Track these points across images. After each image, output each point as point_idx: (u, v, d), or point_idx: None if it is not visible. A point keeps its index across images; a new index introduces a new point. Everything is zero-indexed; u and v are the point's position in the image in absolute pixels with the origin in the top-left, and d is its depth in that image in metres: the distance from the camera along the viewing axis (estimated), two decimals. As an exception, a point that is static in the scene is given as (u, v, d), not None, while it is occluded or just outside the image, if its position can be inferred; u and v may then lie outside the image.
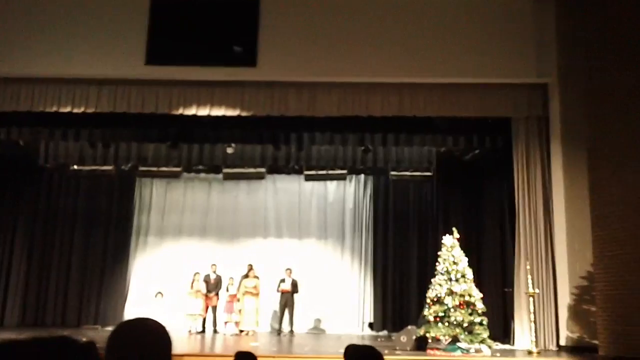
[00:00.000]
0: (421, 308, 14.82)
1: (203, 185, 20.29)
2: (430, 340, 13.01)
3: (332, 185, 20.00)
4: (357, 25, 14.73)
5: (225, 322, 17.57)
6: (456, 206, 18.36)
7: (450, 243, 13.92)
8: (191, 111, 14.60)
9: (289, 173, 19.45)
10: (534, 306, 13.07)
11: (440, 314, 13.10)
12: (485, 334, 13.07)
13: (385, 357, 4.18)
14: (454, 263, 13.57)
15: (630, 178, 11.15)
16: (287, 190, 20.11)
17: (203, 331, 17.50)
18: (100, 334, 15.82)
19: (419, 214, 19.42)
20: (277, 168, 18.53)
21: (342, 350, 4.14)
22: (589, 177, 12.46)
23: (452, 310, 13.06)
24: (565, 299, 13.41)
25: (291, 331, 17.44)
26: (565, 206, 13.69)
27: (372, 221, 19.87)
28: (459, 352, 12.37)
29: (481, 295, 13.46)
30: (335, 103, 14.51)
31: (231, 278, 17.77)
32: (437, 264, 13.98)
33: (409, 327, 13.66)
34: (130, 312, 18.64)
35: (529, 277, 13.20)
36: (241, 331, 17.15)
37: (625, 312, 11.12)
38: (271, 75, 14.55)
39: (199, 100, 14.59)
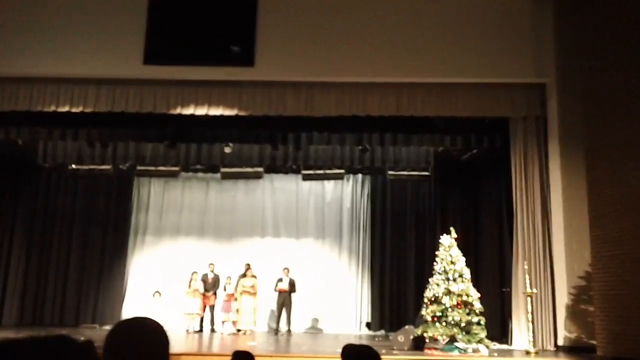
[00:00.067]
0: (419, 308, 14.82)
1: (201, 185, 20.29)
2: (427, 340, 13.01)
3: (329, 184, 20.01)
4: (355, 25, 14.74)
5: (223, 322, 17.59)
6: (454, 206, 18.39)
7: (448, 243, 13.92)
8: (189, 111, 14.59)
9: (286, 173, 19.46)
10: (532, 306, 13.08)
11: (438, 314, 13.10)
12: (483, 334, 13.07)
13: (382, 356, 4.18)
14: (452, 263, 13.57)
15: (628, 178, 11.17)
16: (284, 190, 20.12)
17: (201, 330, 17.52)
18: (98, 333, 15.81)
19: (416, 214, 19.42)
20: (274, 168, 18.56)
21: (340, 350, 4.14)
22: (586, 177, 12.47)
23: (449, 310, 13.07)
24: (563, 299, 13.42)
25: (289, 330, 17.45)
26: (563, 206, 13.71)
27: (369, 221, 19.89)
28: (456, 352, 12.38)
29: (479, 295, 13.46)
30: (333, 103, 14.50)
31: (229, 277, 17.78)
32: (434, 263, 13.98)
33: (407, 326, 13.66)
34: (128, 311, 18.64)
35: (527, 277, 13.20)
36: (239, 330, 17.17)
37: (623, 312, 11.13)
38: (269, 75, 14.55)
39: (196, 99, 14.59)
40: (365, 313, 19.29)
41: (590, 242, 12.21)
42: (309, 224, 20.08)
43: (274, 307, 18.08)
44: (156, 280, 18.87)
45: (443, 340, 12.89)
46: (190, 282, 17.62)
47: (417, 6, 14.89)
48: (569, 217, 13.58)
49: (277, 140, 16.27)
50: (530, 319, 12.95)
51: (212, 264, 18.10)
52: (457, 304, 13.09)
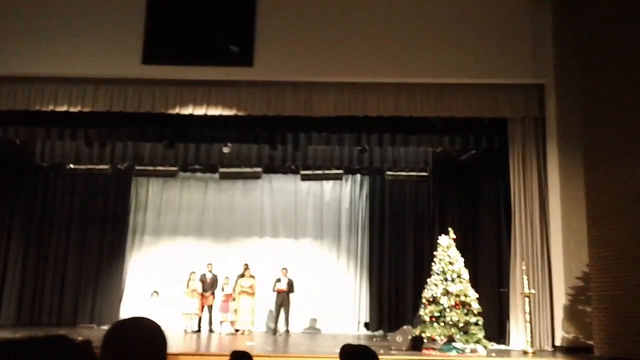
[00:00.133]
0: (417, 308, 14.83)
1: (199, 185, 20.28)
2: (425, 340, 13.03)
3: (328, 185, 20.01)
4: (353, 25, 14.74)
5: (221, 322, 17.58)
6: (452, 206, 18.38)
7: (446, 243, 13.94)
8: (187, 111, 14.59)
9: (285, 173, 19.48)
10: (530, 306, 13.09)
11: (436, 314, 13.12)
12: (481, 334, 13.09)
13: (380, 357, 4.19)
14: (450, 263, 13.58)
15: (626, 178, 11.19)
16: (283, 190, 20.12)
17: (199, 330, 17.52)
18: (96, 333, 15.79)
19: (415, 214, 19.41)
20: (273, 168, 18.57)
21: (338, 350, 4.15)
22: (585, 178, 12.49)
23: (447, 310, 13.08)
24: (560, 299, 13.43)
25: (287, 331, 17.46)
26: (561, 206, 13.71)
27: (368, 221, 19.88)
28: (454, 352, 12.39)
29: (477, 295, 13.48)
30: (332, 103, 14.51)
31: (227, 277, 17.78)
32: (433, 264, 13.99)
33: (405, 327, 13.67)
34: (126, 311, 18.61)
35: (525, 277, 13.21)
36: (237, 330, 17.16)
37: (620, 312, 11.15)
38: (268, 75, 14.55)
39: (195, 99, 14.59)
40: (364, 313, 19.29)
41: (588, 242, 12.24)
42: (307, 224, 20.07)
43: (272, 307, 18.05)
44: (154, 280, 18.86)
45: (441, 340, 12.91)
46: (188, 282, 17.61)
47: (416, 7, 14.89)
48: (567, 218, 13.59)
49: (275, 141, 16.27)
50: (528, 319, 12.97)
51: (210, 264, 18.10)
52: (455, 304, 13.10)
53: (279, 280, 17.62)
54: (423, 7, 14.89)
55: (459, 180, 18.27)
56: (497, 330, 15.07)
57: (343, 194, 20.17)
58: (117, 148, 16.98)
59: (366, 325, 19.10)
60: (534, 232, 14.07)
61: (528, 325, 12.94)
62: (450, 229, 14.38)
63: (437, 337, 12.91)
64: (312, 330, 18.85)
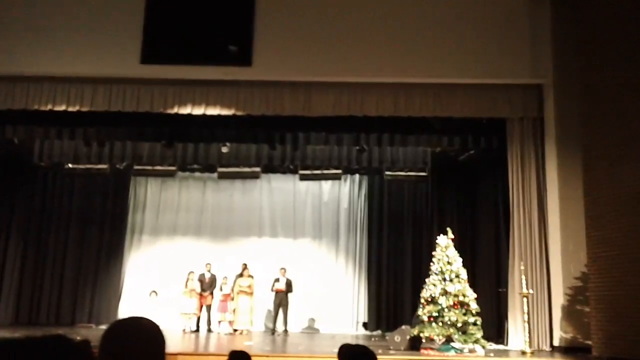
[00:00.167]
0: (415, 308, 14.83)
1: (198, 184, 20.28)
2: (424, 340, 13.03)
3: (327, 184, 20.02)
4: (352, 25, 14.73)
5: (219, 321, 17.58)
6: (451, 206, 18.37)
7: (445, 243, 13.94)
8: (186, 110, 14.58)
9: (284, 172, 19.50)
10: (528, 306, 13.10)
11: (434, 314, 13.12)
12: (479, 334, 13.09)
13: (379, 356, 4.19)
14: (448, 263, 13.59)
15: (625, 179, 11.19)
16: (282, 190, 20.12)
17: (197, 330, 17.53)
18: (94, 332, 15.79)
19: (413, 214, 19.43)
20: (272, 167, 18.59)
21: (336, 350, 4.15)
22: (583, 178, 12.49)
23: (446, 310, 13.09)
24: (559, 299, 13.43)
25: (285, 330, 17.46)
26: (559, 207, 13.72)
27: (366, 221, 19.90)
28: (452, 352, 12.39)
29: (475, 295, 13.48)
30: (331, 103, 14.51)
31: (225, 277, 17.78)
32: (431, 264, 14.00)
33: (403, 327, 13.68)
34: (125, 310, 18.63)
35: (523, 277, 13.22)
36: (235, 330, 17.17)
37: (619, 312, 11.15)
38: (266, 75, 14.54)
39: (194, 99, 14.58)
40: (362, 313, 19.31)
41: (587, 242, 12.23)
42: (306, 224, 20.08)
43: (271, 307, 18.06)
44: (153, 279, 18.87)
45: (439, 340, 12.91)
46: (187, 281, 17.61)
47: (415, 7, 14.89)
48: (566, 218, 13.59)
49: (274, 140, 16.26)
50: (526, 319, 12.97)
51: (209, 263, 18.10)
52: (454, 304, 13.11)
53: (277, 280, 17.64)
54: (421, 7, 14.88)
55: (458, 180, 18.27)
56: (495, 330, 15.08)
57: (342, 194, 20.18)
58: (115, 148, 16.97)
59: (364, 325, 19.12)
60: (532, 232, 14.08)
61: (526, 325, 12.95)
62: (448, 229, 14.38)
63: (435, 337, 12.91)
64: (311, 330, 18.86)
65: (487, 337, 13.53)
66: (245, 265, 17.75)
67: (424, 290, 13.77)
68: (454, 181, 18.39)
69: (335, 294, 19.28)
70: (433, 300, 13.32)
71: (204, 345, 14.91)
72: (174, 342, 13.54)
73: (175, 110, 14.58)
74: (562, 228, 13.59)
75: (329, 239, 19.97)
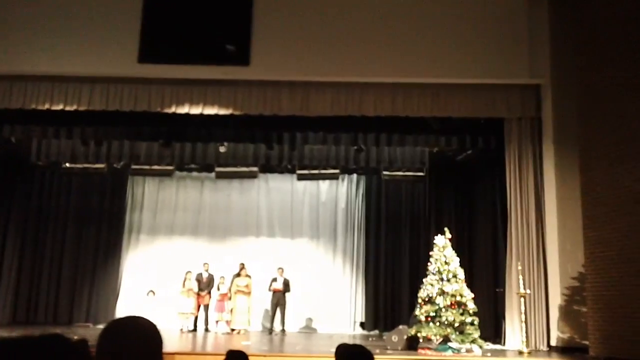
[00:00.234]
0: (412, 308, 14.82)
1: (195, 184, 20.27)
2: (421, 340, 13.01)
3: (324, 184, 20.02)
4: (350, 25, 14.73)
5: (217, 321, 17.57)
6: (448, 206, 18.37)
7: (442, 243, 13.92)
8: (184, 110, 14.58)
9: (281, 172, 19.49)
10: (525, 306, 13.11)
11: (432, 314, 13.10)
12: (477, 334, 13.08)
13: (376, 356, 4.19)
14: (446, 263, 13.57)
15: (622, 179, 11.20)
16: (279, 190, 20.12)
17: (195, 330, 17.50)
18: (92, 332, 15.77)
19: (411, 214, 19.43)
20: (269, 167, 18.57)
21: (334, 350, 4.15)
22: (581, 178, 12.50)
23: (443, 310, 13.07)
24: (556, 299, 13.44)
25: (283, 330, 17.46)
26: (557, 207, 13.73)
27: (364, 221, 19.89)
28: (450, 352, 12.40)
29: (472, 295, 13.46)
30: (329, 103, 14.51)
31: (222, 277, 17.76)
32: (428, 263, 13.97)
33: (400, 326, 13.69)
34: (122, 310, 18.63)
35: (520, 277, 13.23)
36: (233, 330, 17.16)
37: (616, 312, 11.17)
38: (264, 75, 14.54)
39: (191, 98, 14.58)
40: (359, 313, 19.30)
41: (584, 242, 12.24)
42: (303, 223, 20.08)
43: (268, 306, 18.07)
44: (150, 279, 18.86)
45: (437, 340, 12.89)
46: (184, 281, 17.59)
47: (413, 7, 14.89)
48: (563, 218, 13.60)
49: (272, 140, 16.25)
50: (523, 319, 12.98)
51: (206, 263, 18.09)
52: (451, 304, 13.09)
53: (275, 279, 17.65)
54: (420, 7, 14.89)
55: (456, 180, 18.28)
56: (492, 330, 15.08)
57: (339, 194, 20.18)
58: (113, 147, 16.97)
59: (362, 324, 19.12)
60: (529, 232, 14.09)
61: (523, 325, 12.96)
62: (446, 229, 14.35)
63: (432, 337, 12.89)
64: (308, 329, 18.86)
65: (484, 337, 13.51)
66: (242, 264, 17.75)
67: (422, 290, 13.74)
68: (452, 181, 18.40)
69: (332, 293, 19.28)
70: (430, 300, 13.30)
71: (202, 345, 14.92)
72: (171, 342, 13.54)
73: (172, 109, 14.58)
74: (560, 228, 13.60)
75: (326, 239, 19.97)
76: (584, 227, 12.27)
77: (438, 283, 13.35)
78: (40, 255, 19.05)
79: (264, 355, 11.81)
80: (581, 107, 12.68)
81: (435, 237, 14.26)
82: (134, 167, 18.43)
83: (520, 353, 12.67)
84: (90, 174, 18.40)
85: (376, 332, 18.35)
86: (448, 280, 13.33)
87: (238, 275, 17.62)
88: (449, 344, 12.69)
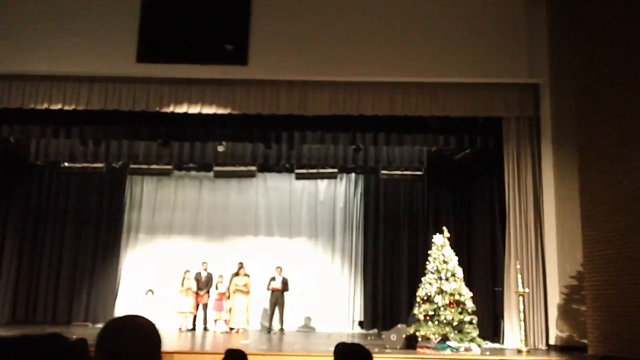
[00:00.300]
0: (411, 307, 14.82)
1: (194, 183, 20.27)
2: (420, 339, 13.01)
3: (322, 183, 20.02)
4: (349, 24, 14.73)
5: (215, 320, 17.58)
6: (447, 205, 18.40)
7: (441, 242, 13.92)
8: (182, 109, 14.59)
9: (279, 171, 19.52)
10: (524, 305, 13.10)
11: (430, 313, 13.10)
12: (475, 333, 13.08)
13: (375, 355, 4.19)
14: (444, 262, 13.56)
15: (620, 178, 11.20)
16: (278, 189, 20.12)
17: (193, 329, 17.51)
18: (90, 331, 15.77)
19: (409, 213, 19.43)
20: (268, 166, 18.61)
21: (332, 349, 4.16)
22: (579, 177, 12.51)
23: (442, 309, 13.07)
24: (555, 298, 13.45)
25: (281, 329, 17.47)
26: (555, 206, 13.73)
27: (362, 220, 19.89)
28: (448, 351, 12.41)
29: (471, 294, 13.46)
30: (327, 102, 14.51)
31: (220, 276, 17.77)
32: (427, 262, 13.97)
33: (399, 325, 13.70)
34: (121, 309, 18.62)
35: (519, 276, 13.22)
36: (231, 329, 17.16)
37: (614, 311, 11.17)
38: (262, 74, 14.54)
39: (190, 98, 14.59)
40: (358, 312, 19.30)
41: (583, 241, 12.25)
42: (302, 223, 20.07)
43: (267, 305, 18.08)
44: (149, 278, 18.87)
45: (435, 339, 12.89)
46: (183, 280, 17.60)
47: (411, 6, 14.88)
48: (561, 217, 13.61)
49: (270, 139, 16.26)
50: (522, 318, 12.97)
51: (205, 262, 18.10)
52: (450, 303, 13.09)
53: (273, 278, 17.66)
54: (418, 6, 14.88)
55: (454, 179, 18.31)
56: (491, 329, 15.11)
57: (337, 193, 20.18)
58: (111, 146, 16.98)
59: (360, 324, 19.12)
60: (528, 232, 14.10)
61: (522, 324, 12.95)
62: (444, 228, 14.35)
63: (431, 336, 12.89)
64: (307, 328, 18.85)
65: (483, 336, 13.51)
66: (241, 264, 17.75)
67: (420, 289, 13.74)
68: (450, 180, 18.42)
69: (331, 292, 19.28)
70: (429, 299, 13.30)
71: (200, 344, 14.92)
72: (170, 341, 13.53)
73: (171, 109, 14.58)
74: (558, 227, 13.61)
75: (325, 238, 19.97)
76: (583, 226, 12.27)
77: (437, 282, 13.35)
78: (39, 255, 19.04)
79: (263, 354, 11.82)
80: (580, 106, 12.69)
81: (434, 236, 14.25)
82: (132, 166, 18.45)
83: (519, 352, 12.66)
84: (88, 174, 18.42)
85: (375, 331, 18.36)
86: (447, 279, 13.33)
87: (237, 274, 17.62)
88: (448, 342, 12.69)
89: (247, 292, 17.45)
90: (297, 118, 14.82)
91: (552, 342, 13.35)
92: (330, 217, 20.07)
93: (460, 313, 13.07)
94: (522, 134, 14.52)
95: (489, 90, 14.56)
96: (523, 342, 12.79)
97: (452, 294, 13.15)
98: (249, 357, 5.78)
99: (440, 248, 13.76)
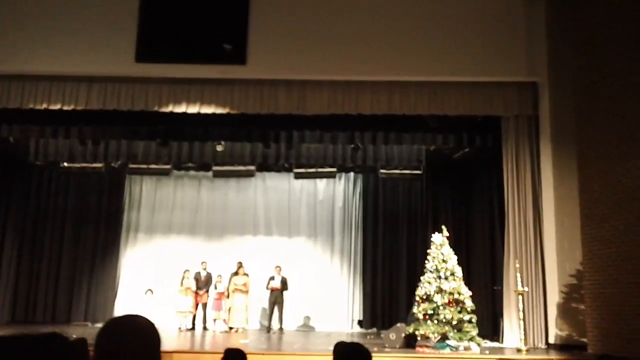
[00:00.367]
0: (410, 306, 14.81)
1: (193, 183, 20.27)
2: (419, 338, 13.01)
3: (321, 183, 20.02)
4: (347, 23, 14.72)
5: (214, 320, 17.59)
6: (446, 204, 18.42)
7: (440, 241, 13.91)
8: (181, 109, 14.58)
9: (278, 171, 19.51)
10: (523, 304, 13.09)
11: (430, 312, 13.10)
12: (474, 332, 13.08)
13: (374, 354, 4.20)
14: (443, 261, 13.56)
15: (620, 177, 11.22)
16: (276, 188, 20.12)
17: (193, 328, 17.52)
18: (90, 330, 15.75)
19: (408, 212, 19.43)
20: (266, 166, 18.60)
21: (332, 348, 4.16)
22: (578, 176, 12.52)
23: (441, 308, 13.06)
24: (554, 297, 13.44)
25: (281, 328, 17.48)
26: (554, 205, 13.72)
27: (361, 219, 19.89)
28: (448, 350, 12.40)
29: (470, 293, 13.46)
30: (325, 101, 14.51)
31: (219, 275, 17.78)
32: (426, 261, 13.96)
33: (398, 324, 13.70)
34: (120, 309, 18.63)
35: (518, 275, 13.20)
36: (231, 328, 17.16)
37: (614, 310, 11.19)
38: (261, 73, 14.53)
39: (188, 97, 14.58)
40: (357, 311, 19.30)
41: (582, 240, 12.26)
42: (301, 222, 20.08)
43: (266, 305, 18.10)
44: (148, 278, 18.90)
45: (434, 338, 12.89)
46: (182, 280, 17.61)
47: (410, 5, 14.88)
48: (561, 216, 13.60)
49: (269, 139, 16.25)
50: (521, 317, 12.95)
51: (204, 262, 18.12)
52: (449, 302, 13.09)
53: (272, 278, 17.67)
54: (417, 5, 14.88)
55: (453, 178, 18.32)
56: (490, 327, 15.11)
57: (336, 192, 20.18)
58: (110, 146, 16.98)
59: (360, 323, 19.12)
60: (527, 230, 14.09)
61: (522, 322, 12.93)
62: (443, 227, 14.34)
63: (430, 335, 12.89)
64: (306, 328, 18.85)
65: (482, 335, 13.50)
66: (240, 263, 17.75)
67: (419, 288, 13.74)
68: (449, 179, 18.44)
69: (330, 292, 19.29)
70: (428, 298, 13.30)
71: (200, 344, 14.92)
72: (169, 341, 13.53)
73: (170, 108, 14.57)
74: (557, 226, 13.60)
75: (324, 237, 19.97)
76: (582, 224, 12.29)
77: (436, 281, 13.35)
78: (38, 255, 19.04)
79: (262, 354, 11.82)
80: (579, 105, 12.70)
81: (433, 235, 14.24)
82: (131, 166, 18.45)
83: (519, 351, 12.64)
84: (88, 173, 18.41)
85: (374, 330, 18.36)
86: (446, 278, 13.32)
87: (236, 273, 17.62)
88: (447, 341, 12.69)
89: (246, 292, 17.45)
90: (296, 117, 14.81)
91: (551, 340, 13.34)
92: (329, 217, 20.08)
93: (460, 312, 13.06)
94: (521, 132, 14.50)
95: (487, 88, 14.55)
96: (522, 341, 12.77)
97: (451, 293, 13.15)
98: (248, 356, 5.78)
99: (439, 247, 13.75)
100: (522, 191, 14.29)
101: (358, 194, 20.12)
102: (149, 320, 2.39)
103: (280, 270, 17.76)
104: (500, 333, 14.35)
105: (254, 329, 18.04)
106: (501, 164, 14.66)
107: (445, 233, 14.05)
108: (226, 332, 17.01)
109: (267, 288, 17.65)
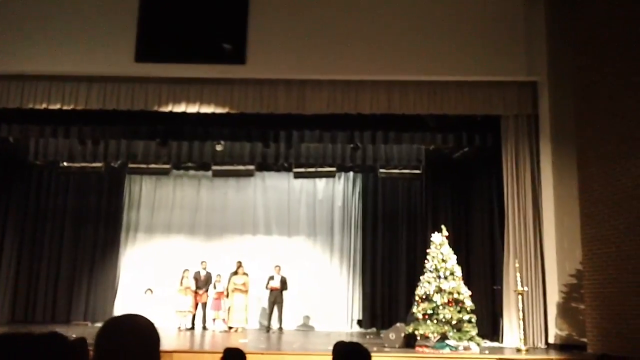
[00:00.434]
0: (410, 305, 14.81)
1: (192, 183, 20.27)
2: (418, 338, 13.00)
3: (321, 182, 20.02)
4: (346, 23, 14.73)
5: (213, 319, 17.59)
6: (445, 204, 18.40)
7: (439, 241, 13.90)
8: (180, 108, 14.57)
9: (278, 170, 19.51)
10: (523, 304, 13.08)
11: (429, 312, 13.10)
12: (474, 332, 13.07)
13: (373, 354, 4.20)
14: (443, 261, 13.55)
15: (619, 176, 11.22)
16: (276, 188, 20.12)
17: (192, 328, 17.53)
18: (89, 330, 15.76)
19: (407, 212, 19.42)
20: (266, 165, 18.59)
21: (331, 348, 4.16)
22: (578, 176, 12.52)
23: (440, 307, 13.06)
24: (554, 296, 13.44)
25: (280, 328, 17.48)
26: (554, 204, 13.72)
27: (361, 219, 19.89)
28: (447, 350, 12.40)
29: (470, 292, 13.45)
30: (325, 101, 14.50)
31: (219, 275, 17.79)
32: (425, 261, 13.95)
33: (398, 324, 13.70)
34: (120, 308, 18.64)
35: (518, 274, 13.19)
36: (230, 328, 17.16)
37: (613, 310, 11.19)
38: (260, 73, 14.54)
39: (188, 97, 14.58)
40: (357, 311, 19.30)
41: (582, 240, 12.26)
42: (300, 222, 20.09)
43: (266, 304, 18.11)
44: (148, 277, 18.90)
45: (434, 337, 12.89)
46: (182, 279, 17.61)
47: (409, 4, 14.90)
48: (560, 215, 13.60)
49: (268, 138, 16.25)
50: (521, 316, 12.95)
51: (204, 261, 18.11)
52: (448, 301, 13.09)
53: (272, 277, 17.66)
54: (416, 4, 14.89)
55: (452, 177, 18.31)
56: (490, 327, 15.10)
57: (336, 192, 20.18)
58: (110, 146, 16.97)
59: (359, 322, 19.12)
60: (527, 230, 14.08)
61: (521, 322, 12.93)
62: (443, 227, 14.33)
63: (430, 335, 12.88)
64: (305, 327, 18.86)
65: (482, 335, 13.49)
66: (240, 263, 17.75)
67: (419, 287, 13.73)
68: (449, 179, 18.43)
69: (329, 291, 19.29)
70: (428, 298, 13.30)
71: (199, 343, 14.91)
72: (169, 340, 13.53)
73: (169, 108, 14.57)
74: (557, 225, 13.60)
75: (323, 237, 19.98)
76: (582, 224, 12.29)
77: (435, 281, 13.34)
78: (38, 254, 19.04)
79: (262, 353, 11.81)
80: (579, 105, 12.70)
81: (432, 234, 14.24)
82: (131, 165, 18.45)
83: (518, 350, 12.64)
84: (87, 173, 18.41)
85: (373, 329, 18.36)
86: (445, 278, 13.32)
87: (235, 273, 17.62)
88: (447, 341, 12.69)
89: (246, 291, 17.45)
90: (296, 117, 14.81)
91: (551, 340, 13.34)
92: (329, 216, 20.08)
93: (459, 312, 13.06)
94: (520, 132, 14.50)
95: (487, 88, 14.55)
96: (522, 340, 12.77)
97: (450, 293, 13.15)
98: (247, 356, 5.78)
99: (438, 246, 13.75)
100: (521, 190, 14.28)
101: (357, 193, 20.13)
102: (148, 320, 2.39)
103: (279, 269, 17.76)
104: (500, 333, 14.34)
105: (253, 329, 18.05)
106: (501, 164, 14.65)
107: (445, 232, 14.04)
108: (225, 331, 17.01)
109: (267, 288, 17.65)
